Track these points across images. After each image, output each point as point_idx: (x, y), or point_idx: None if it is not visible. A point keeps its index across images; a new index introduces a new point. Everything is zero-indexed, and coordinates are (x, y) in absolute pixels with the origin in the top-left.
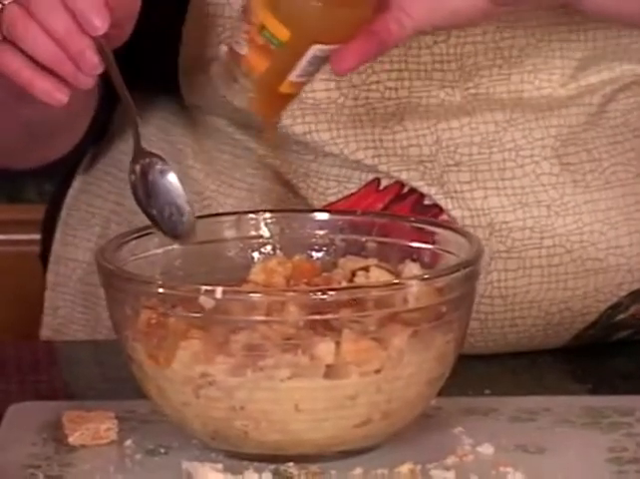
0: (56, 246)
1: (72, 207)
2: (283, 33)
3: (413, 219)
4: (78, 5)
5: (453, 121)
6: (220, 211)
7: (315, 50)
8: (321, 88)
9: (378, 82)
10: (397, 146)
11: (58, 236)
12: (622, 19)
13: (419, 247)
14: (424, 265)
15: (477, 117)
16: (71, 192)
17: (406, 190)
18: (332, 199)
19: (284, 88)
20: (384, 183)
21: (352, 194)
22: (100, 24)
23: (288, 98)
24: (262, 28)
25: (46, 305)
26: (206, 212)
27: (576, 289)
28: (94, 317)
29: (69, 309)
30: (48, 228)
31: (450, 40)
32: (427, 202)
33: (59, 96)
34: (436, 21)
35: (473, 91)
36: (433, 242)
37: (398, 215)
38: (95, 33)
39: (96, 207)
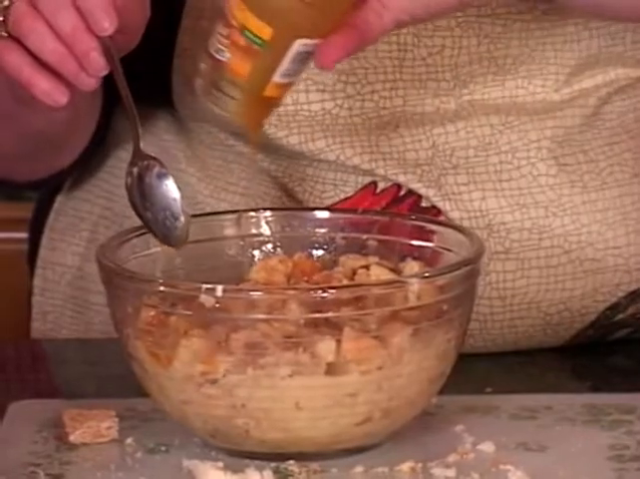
0: (43, 252)
1: (59, 212)
2: (265, 31)
3: (413, 217)
4: (87, 5)
5: (448, 125)
6: None
7: (298, 46)
8: (316, 99)
9: (372, 92)
10: (393, 150)
11: (44, 241)
12: (604, 12)
13: (419, 246)
14: (424, 264)
15: (472, 121)
16: (59, 197)
17: (403, 192)
18: (328, 202)
19: (269, 91)
20: (381, 186)
21: (348, 197)
22: (108, 25)
23: (272, 102)
24: (243, 29)
25: (34, 311)
26: None
27: (575, 290)
28: (84, 322)
29: (58, 314)
30: (35, 231)
31: (444, 52)
32: (424, 204)
33: (58, 97)
34: (413, 11)
35: (467, 97)
36: (433, 241)
37: (398, 213)
38: (102, 33)
39: (84, 211)
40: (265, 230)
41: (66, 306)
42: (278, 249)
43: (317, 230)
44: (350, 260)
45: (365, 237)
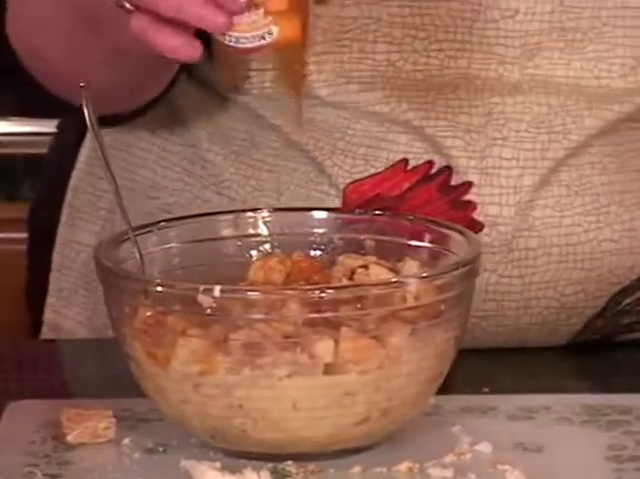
0: (61, 229)
1: (77, 189)
2: None
3: (412, 217)
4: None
5: (507, 97)
6: (241, 193)
7: None
8: (382, 50)
9: (439, 50)
10: (448, 111)
11: (63, 218)
12: None
13: (417, 246)
14: (423, 264)
15: (531, 97)
16: (75, 173)
17: (434, 170)
18: (357, 177)
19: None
20: (412, 163)
21: (378, 173)
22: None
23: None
24: None
25: (51, 287)
26: (226, 195)
27: (591, 270)
28: (93, 301)
29: (72, 292)
30: (48, 212)
31: (517, 16)
32: (453, 182)
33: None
34: None
35: (531, 71)
36: (431, 241)
37: (397, 213)
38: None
39: (102, 189)
40: (263, 230)
41: (79, 285)
42: (276, 250)
43: (315, 230)
44: (349, 260)
45: (363, 237)
